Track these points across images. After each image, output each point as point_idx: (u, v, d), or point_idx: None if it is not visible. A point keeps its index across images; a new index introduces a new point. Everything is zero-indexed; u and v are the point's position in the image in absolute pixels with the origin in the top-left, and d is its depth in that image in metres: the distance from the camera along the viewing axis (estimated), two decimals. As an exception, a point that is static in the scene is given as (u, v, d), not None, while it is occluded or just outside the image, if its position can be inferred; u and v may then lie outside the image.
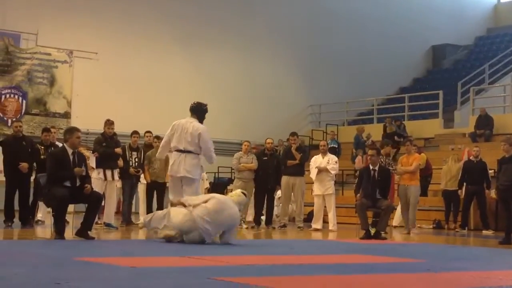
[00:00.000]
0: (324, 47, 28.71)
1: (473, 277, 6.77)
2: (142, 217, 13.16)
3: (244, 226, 15.65)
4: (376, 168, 13.31)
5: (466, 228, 17.24)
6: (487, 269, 7.69)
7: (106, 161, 13.69)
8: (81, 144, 13.59)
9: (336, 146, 22.74)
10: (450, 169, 17.73)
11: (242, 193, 10.48)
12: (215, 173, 22.96)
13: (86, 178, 10.64)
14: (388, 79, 30.01)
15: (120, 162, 14.10)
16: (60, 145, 12.29)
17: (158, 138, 15.85)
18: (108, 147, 13.78)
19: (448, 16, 32.71)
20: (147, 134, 15.73)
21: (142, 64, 24.53)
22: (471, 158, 17.27)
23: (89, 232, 10.52)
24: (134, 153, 14.91)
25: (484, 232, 16.73)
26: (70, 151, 10.55)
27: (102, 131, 14.04)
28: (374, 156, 13.49)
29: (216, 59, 26.17)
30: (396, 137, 22.95)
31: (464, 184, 17.00)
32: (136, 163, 14.87)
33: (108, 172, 13.67)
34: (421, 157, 16.93)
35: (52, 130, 14.59)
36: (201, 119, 11.26)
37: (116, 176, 13.93)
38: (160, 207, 15.46)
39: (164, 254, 8.56)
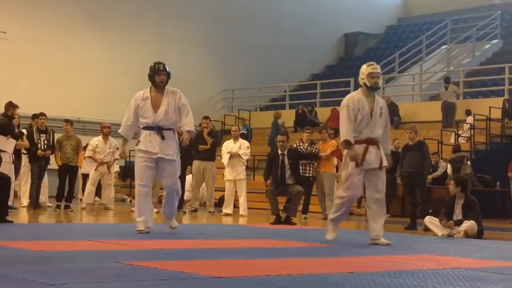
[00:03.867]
0: (238, 31, 28.72)
1: (379, 261, 6.91)
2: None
3: (155, 210, 15.56)
4: (285, 153, 13.36)
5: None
6: (393, 253, 7.84)
7: None
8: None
9: (246, 132, 22.77)
10: None
11: None
12: (126, 156, 22.68)
13: None
14: (300, 66, 30.25)
15: (25, 143, 13.92)
16: None
17: (68, 121, 15.63)
18: None
19: (361, 4, 33.19)
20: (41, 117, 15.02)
21: (52, 45, 24.04)
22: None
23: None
24: (43, 135, 14.60)
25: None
26: None
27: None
28: (284, 142, 13.53)
29: (127, 42, 25.90)
30: None
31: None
32: (45, 145, 14.58)
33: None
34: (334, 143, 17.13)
35: None
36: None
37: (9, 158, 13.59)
38: (72, 189, 15.28)
39: (73, 238, 8.44)
